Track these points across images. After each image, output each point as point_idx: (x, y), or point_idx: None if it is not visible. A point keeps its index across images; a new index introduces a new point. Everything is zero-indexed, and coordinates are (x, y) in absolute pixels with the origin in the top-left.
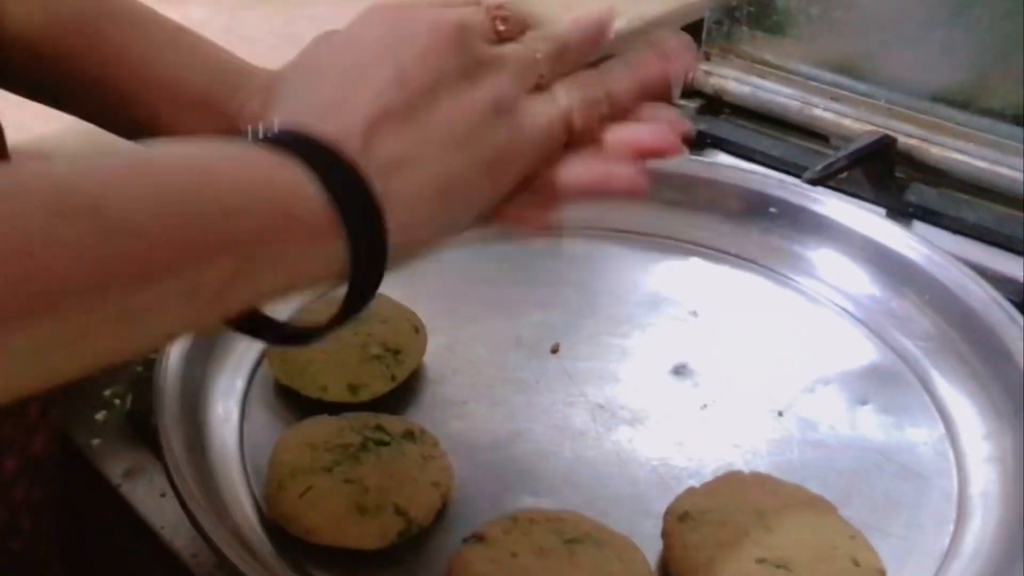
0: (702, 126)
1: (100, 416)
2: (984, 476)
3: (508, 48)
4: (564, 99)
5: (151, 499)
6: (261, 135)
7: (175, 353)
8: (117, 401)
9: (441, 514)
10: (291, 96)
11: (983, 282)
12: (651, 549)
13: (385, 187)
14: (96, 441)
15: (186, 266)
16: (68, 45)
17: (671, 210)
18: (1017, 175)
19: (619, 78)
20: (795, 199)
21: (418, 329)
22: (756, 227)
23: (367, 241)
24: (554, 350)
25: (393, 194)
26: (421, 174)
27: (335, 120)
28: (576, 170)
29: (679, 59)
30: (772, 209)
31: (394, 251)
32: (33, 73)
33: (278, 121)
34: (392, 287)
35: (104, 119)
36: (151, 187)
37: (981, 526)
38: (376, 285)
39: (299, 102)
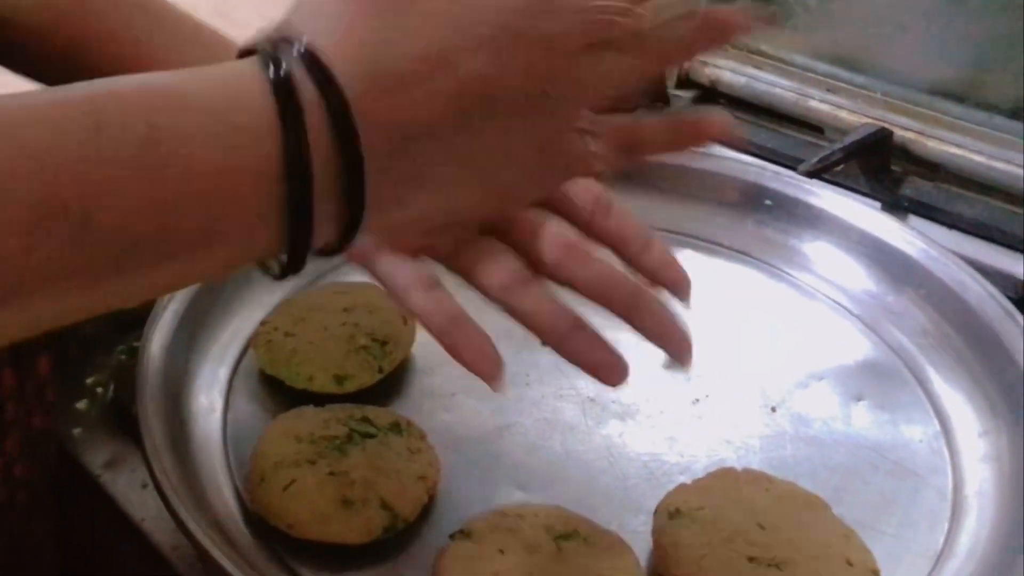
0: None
1: (82, 405)
2: (979, 475)
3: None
4: (598, 149)
5: (132, 490)
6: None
7: (157, 342)
8: (99, 390)
9: (427, 508)
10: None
11: (981, 278)
12: (641, 546)
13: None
14: (77, 430)
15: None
16: (67, 28)
17: (665, 201)
18: (1014, 170)
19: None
20: (790, 191)
21: (407, 320)
22: (751, 219)
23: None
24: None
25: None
26: (420, 194)
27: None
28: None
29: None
30: (767, 201)
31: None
32: (31, 54)
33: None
34: None
35: None
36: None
37: (976, 525)
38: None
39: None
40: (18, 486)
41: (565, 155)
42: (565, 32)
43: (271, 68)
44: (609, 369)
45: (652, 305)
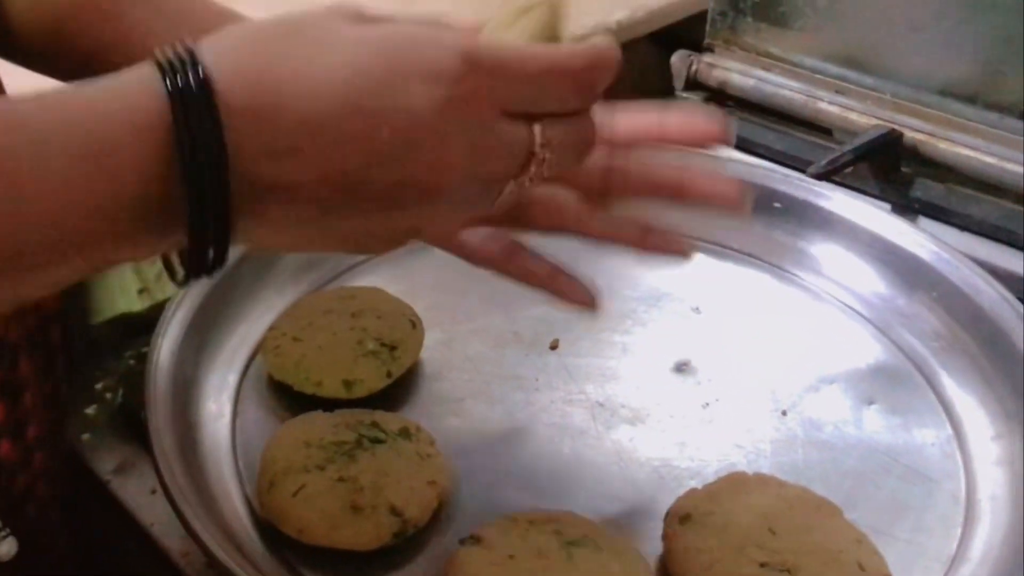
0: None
1: (91, 411)
2: (992, 479)
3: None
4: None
5: (141, 495)
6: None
7: (166, 348)
8: (108, 395)
9: (437, 514)
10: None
11: (993, 281)
12: (651, 551)
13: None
14: (86, 436)
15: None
16: (76, 22)
17: (673, 204)
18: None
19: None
20: (800, 194)
21: (415, 324)
22: (760, 222)
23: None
24: (553, 346)
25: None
26: (299, 206)
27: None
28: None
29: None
30: (776, 204)
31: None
32: (38, 46)
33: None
34: (389, 281)
35: None
36: None
37: (989, 530)
38: (224, 239)
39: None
40: (38, 477)
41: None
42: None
43: (167, 74)
44: (683, 250)
45: (695, 173)
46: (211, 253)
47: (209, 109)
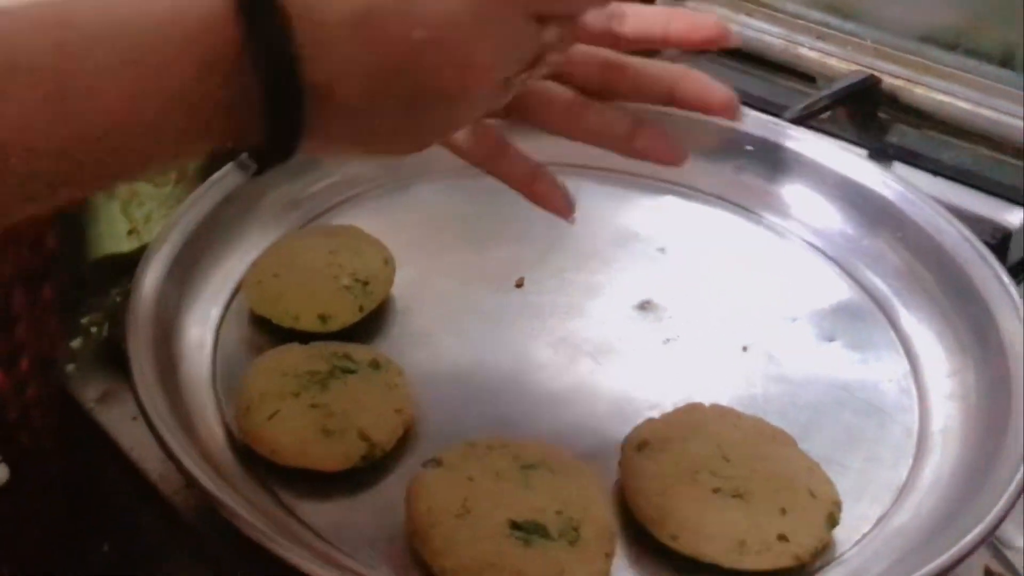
0: (685, 64)
1: (76, 343)
2: (945, 413)
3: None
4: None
5: (123, 423)
6: None
7: (150, 282)
8: (94, 329)
9: (403, 440)
10: None
11: (956, 221)
12: (608, 478)
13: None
14: (71, 367)
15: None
16: None
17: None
18: (1001, 117)
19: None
20: (771, 136)
21: (387, 261)
22: (730, 165)
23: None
24: (519, 284)
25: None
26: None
27: None
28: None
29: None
30: (748, 147)
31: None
32: None
33: None
34: (365, 220)
35: None
36: None
37: (939, 461)
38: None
39: None
40: (31, 406)
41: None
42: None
43: None
44: (675, 153)
45: (691, 78)
46: (281, 147)
47: (275, 10)
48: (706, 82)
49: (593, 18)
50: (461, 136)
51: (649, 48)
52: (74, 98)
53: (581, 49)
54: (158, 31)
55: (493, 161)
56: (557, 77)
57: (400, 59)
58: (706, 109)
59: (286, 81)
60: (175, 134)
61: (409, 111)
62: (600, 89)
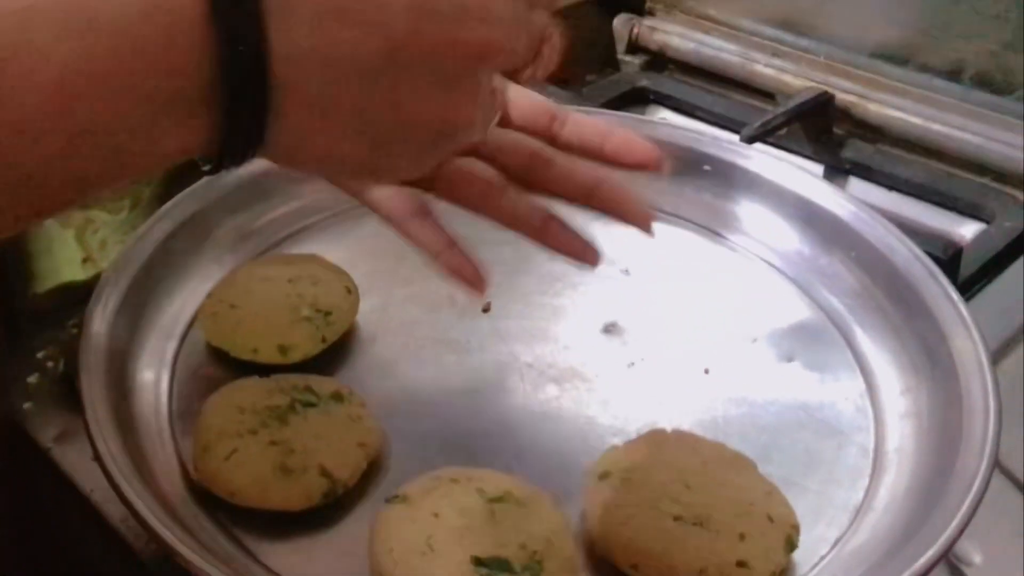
0: (645, 82)
1: (32, 379)
2: (899, 432)
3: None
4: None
5: (82, 463)
6: None
7: (102, 316)
8: (50, 364)
9: (367, 475)
10: None
11: (907, 239)
12: (573, 507)
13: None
14: (28, 404)
15: None
16: None
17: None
18: (950, 131)
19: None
20: (728, 156)
21: (350, 290)
22: (690, 185)
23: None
24: (486, 309)
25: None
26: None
27: None
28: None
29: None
30: (706, 167)
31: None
32: None
33: None
34: (327, 249)
35: None
36: None
37: (895, 481)
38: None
39: None
40: None
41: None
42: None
43: None
44: (586, 252)
45: (610, 186)
46: (245, 138)
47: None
48: (624, 193)
49: (535, 116)
50: (384, 192)
51: (583, 157)
52: (12, 75)
53: (514, 136)
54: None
55: (410, 222)
56: (486, 158)
57: (417, 19)
58: (622, 219)
59: (251, 64)
60: (131, 123)
61: (422, 80)
62: (524, 179)
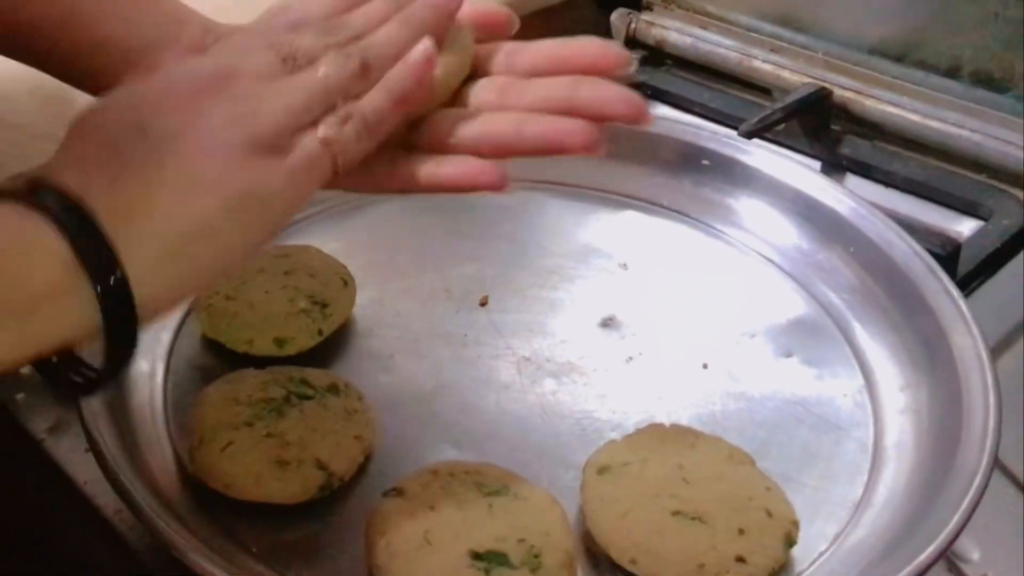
0: (643, 77)
1: (26, 370)
2: (898, 427)
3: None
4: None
5: (75, 454)
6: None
7: None
8: None
9: (363, 468)
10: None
11: (906, 235)
12: (571, 501)
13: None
14: (21, 395)
15: None
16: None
17: (604, 162)
18: (948, 128)
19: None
20: (727, 151)
21: (347, 282)
22: (689, 179)
23: (111, 294)
24: (483, 303)
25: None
26: (159, 223)
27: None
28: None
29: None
30: (705, 161)
31: (144, 302)
32: None
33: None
34: (324, 240)
35: (64, 75)
36: None
37: (894, 476)
38: (134, 339)
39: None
40: None
41: (297, 149)
42: None
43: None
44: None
45: (591, 81)
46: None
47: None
48: (607, 86)
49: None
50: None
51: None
52: None
53: (480, 82)
54: None
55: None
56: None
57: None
58: (612, 115)
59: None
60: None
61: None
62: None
